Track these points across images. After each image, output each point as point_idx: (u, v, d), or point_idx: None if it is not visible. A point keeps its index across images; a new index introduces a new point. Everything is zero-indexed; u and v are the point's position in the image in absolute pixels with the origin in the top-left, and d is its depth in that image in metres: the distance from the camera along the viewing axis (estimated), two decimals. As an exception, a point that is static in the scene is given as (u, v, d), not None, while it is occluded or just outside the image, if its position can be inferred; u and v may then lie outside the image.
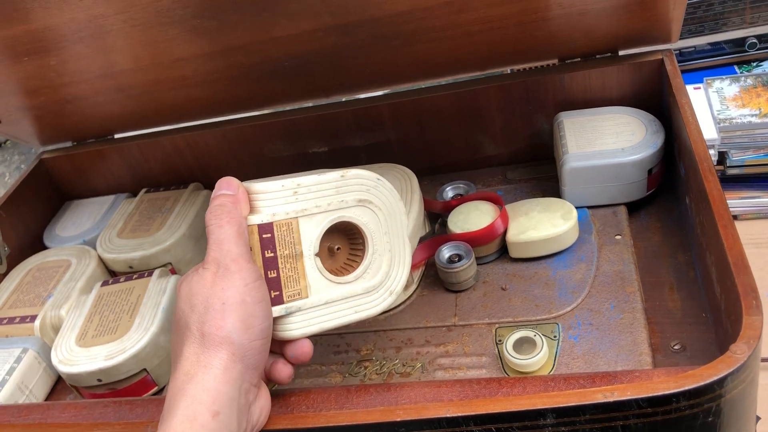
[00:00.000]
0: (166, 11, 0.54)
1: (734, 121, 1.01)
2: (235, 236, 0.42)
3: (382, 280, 0.48)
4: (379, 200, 0.48)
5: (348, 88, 0.70)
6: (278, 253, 0.45)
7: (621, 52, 0.64)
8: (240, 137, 0.73)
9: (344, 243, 0.48)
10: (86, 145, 0.79)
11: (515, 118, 0.68)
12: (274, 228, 0.44)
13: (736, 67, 1.18)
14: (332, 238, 0.47)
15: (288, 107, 0.72)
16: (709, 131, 1.00)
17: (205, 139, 0.74)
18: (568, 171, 0.60)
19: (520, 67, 0.68)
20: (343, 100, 0.71)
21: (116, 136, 0.79)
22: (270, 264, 0.44)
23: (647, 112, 0.63)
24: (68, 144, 0.80)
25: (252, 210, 0.45)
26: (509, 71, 0.71)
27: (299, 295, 0.45)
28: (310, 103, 0.72)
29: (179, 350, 0.41)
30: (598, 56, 0.65)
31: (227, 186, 0.45)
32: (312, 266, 0.46)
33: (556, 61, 0.66)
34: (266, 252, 0.44)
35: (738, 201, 1.03)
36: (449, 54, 0.63)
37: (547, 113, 0.67)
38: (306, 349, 0.45)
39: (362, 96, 0.71)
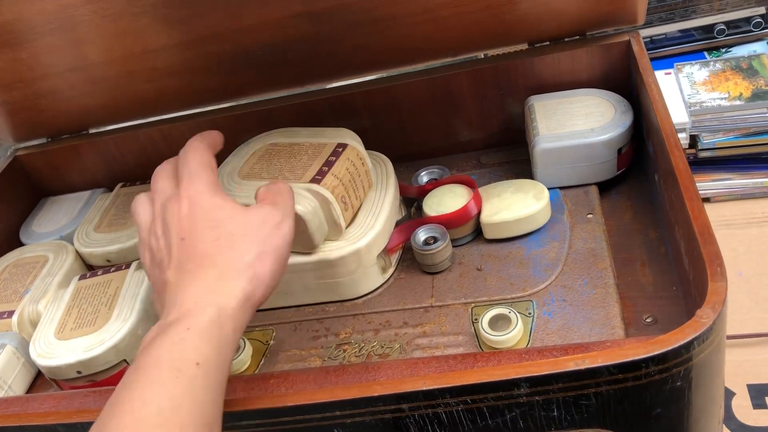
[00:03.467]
0: (137, 0, 0.54)
1: (704, 104, 1.03)
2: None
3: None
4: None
5: (322, 77, 0.70)
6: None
7: (588, 34, 0.65)
8: (215, 128, 0.72)
9: None
10: (61, 140, 0.78)
11: (487, 103, 0.69)
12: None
13: (706, 53, 1.20)
14: None
15: (262, 97, 0.73)
16: (680, 115, 1.02)
17: (180, 131, 0.74)
18: (539, 152, 0.61)
19: (491, 52, 0.69)
20: (317, 88, 0.72)
21: (91, 131, 0.78)
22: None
23: (616, 93, 0.64)
24: (43, 140, 0.79)
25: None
26: (481, 56, 0.72)
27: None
28: (284, 93, 0.72)
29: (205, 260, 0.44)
30: (566, 39, 0.66)
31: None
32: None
33: (525, 45, 0.67)
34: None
35: (710, 183, 1.05)
36: (421, 40, 0.64)
37: (518, 97, 0.68)
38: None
39: (336, 84, 0.71)
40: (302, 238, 0.55)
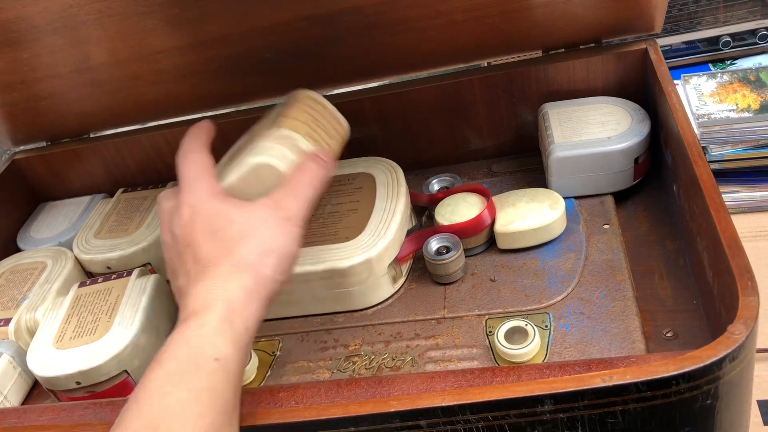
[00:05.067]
0: (144, 0, 0.52)
1: (712, 116, 1.01)
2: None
3: None
4: None
5: (330, 82, 0.69)
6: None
7: (604, 42, 0.64)
8: (220, 134, 0.70)
9: None
10: (61, 144, 0.77)
11: (500, 111, 0.67)
12: None
13: (710, 65, 1.19)
14: None
15: (269, 102, 0.71)
16: (688, 126, 1.01)
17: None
18: (555, 161, 0.59)
19: (504, 58, 0.68)
20: (325, 94, 0.70)
21: (92, 135, 0.77)
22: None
23: (632, 101, 0.63)
24: (42, 144, 0.78)
25: None
26: (493, 63, 0.71)
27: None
28: (291, 98, 0.71)
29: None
30: (581, 46, 0.64)
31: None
32: None
33: (539, 52, 0.66)
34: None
35: (718, 196, 1.03)
36: (433, 44, 0.62)
37: (531, 105, 0.66)
38: None
39: (345, 90, 0.69)
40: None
